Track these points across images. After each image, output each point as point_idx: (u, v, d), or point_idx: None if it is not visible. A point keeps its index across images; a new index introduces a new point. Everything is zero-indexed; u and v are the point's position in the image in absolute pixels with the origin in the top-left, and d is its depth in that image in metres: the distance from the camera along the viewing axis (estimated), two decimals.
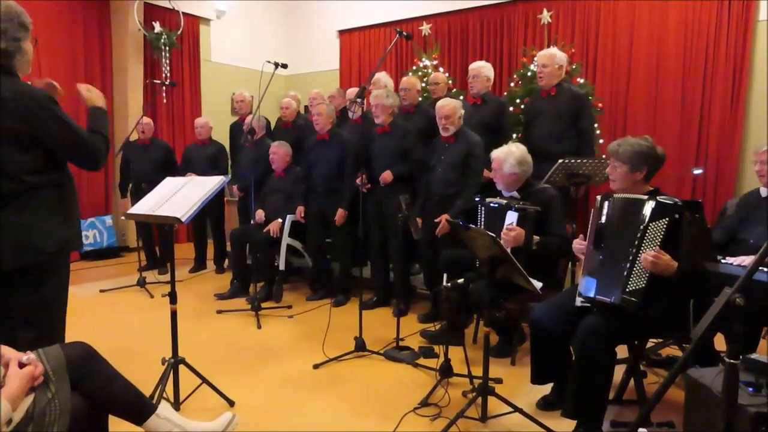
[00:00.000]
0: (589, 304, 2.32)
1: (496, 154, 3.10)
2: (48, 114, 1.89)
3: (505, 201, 3.04)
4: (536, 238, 2.90)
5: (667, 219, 2.11)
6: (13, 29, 1.86)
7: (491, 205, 3.11)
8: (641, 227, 2.16)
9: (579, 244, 2.48)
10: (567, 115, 3.93)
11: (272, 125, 5.70)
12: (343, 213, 4.24)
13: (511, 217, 2.93)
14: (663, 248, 2.09)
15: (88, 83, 2.29)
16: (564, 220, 3.08)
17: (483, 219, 3.17)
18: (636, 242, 2.16)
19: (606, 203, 2.34)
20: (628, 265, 2.16)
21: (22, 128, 1.85)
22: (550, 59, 3.99)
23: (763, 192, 2.65)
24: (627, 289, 2.15)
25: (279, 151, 4.61)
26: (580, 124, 3.96)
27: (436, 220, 3.66)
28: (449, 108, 3.71)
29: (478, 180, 3.74)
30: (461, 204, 3.62)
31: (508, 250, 2.87)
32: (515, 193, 3.08)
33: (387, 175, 4.00)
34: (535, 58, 4.72)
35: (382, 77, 4.74)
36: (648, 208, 2.17)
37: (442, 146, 3.83)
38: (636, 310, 2.13)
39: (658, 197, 2.17)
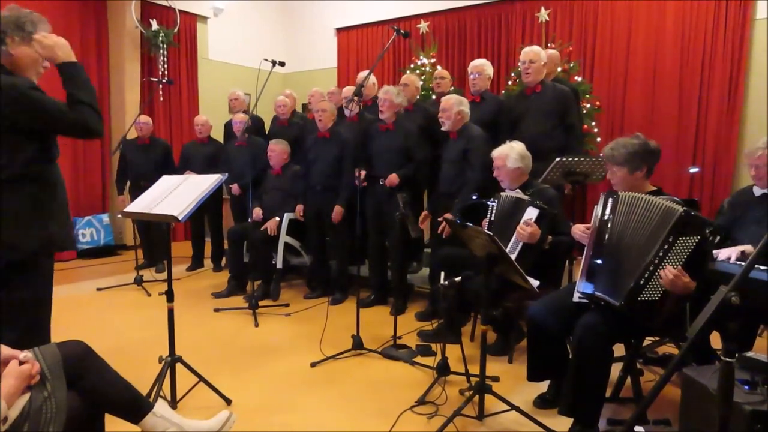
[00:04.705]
0: (586, 301, 2.31)
1: (498, 152, 3.10)
2: (26, 101, 1.80)
3: (526, 196, 2.98)
4: (549, 237, 2.88)
5: (698, 237, 2.00)
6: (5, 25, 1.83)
7: (510, 196, 3.06)
8: (669, 239, 2.03)
9: (584, 232, 2.43)
10: (554, 112, 3.94)
11: (268, 124, 5.67)
12: (340, 210, 4.23)
13: (531, 212, 2.86)
14: (685, 266, 2.01)
15: None
16: (566, 220, 3.07)
17: (495, 213, 3.13)
18: (661, 253, 2.04)
19: (610, 201, 2.29)
20: (647, 274, 2.07)
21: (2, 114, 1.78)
22: (537, 55, 3.97)
23: (757, 191, 2.57)
24: (639, 298, 2.08)
25: (276, 149, 4.58)
26: (567, 120, 3.97)
27: (439, 219, 3.66)
28: (445, 102, 3.73)
29: (476, 174, 3.63)
30: (459, 202, 3.61)
31: (519, 246, 2.86)
32: (519, 191, 3.07)
33: (393, 178, 3.98)
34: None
35: (368, 77, 4.70)
36: (676, 217, 2.02)
37: (447, 142, 3.84)
38: (641, 319, 2.11)
39: (689, 208, 2.05)
